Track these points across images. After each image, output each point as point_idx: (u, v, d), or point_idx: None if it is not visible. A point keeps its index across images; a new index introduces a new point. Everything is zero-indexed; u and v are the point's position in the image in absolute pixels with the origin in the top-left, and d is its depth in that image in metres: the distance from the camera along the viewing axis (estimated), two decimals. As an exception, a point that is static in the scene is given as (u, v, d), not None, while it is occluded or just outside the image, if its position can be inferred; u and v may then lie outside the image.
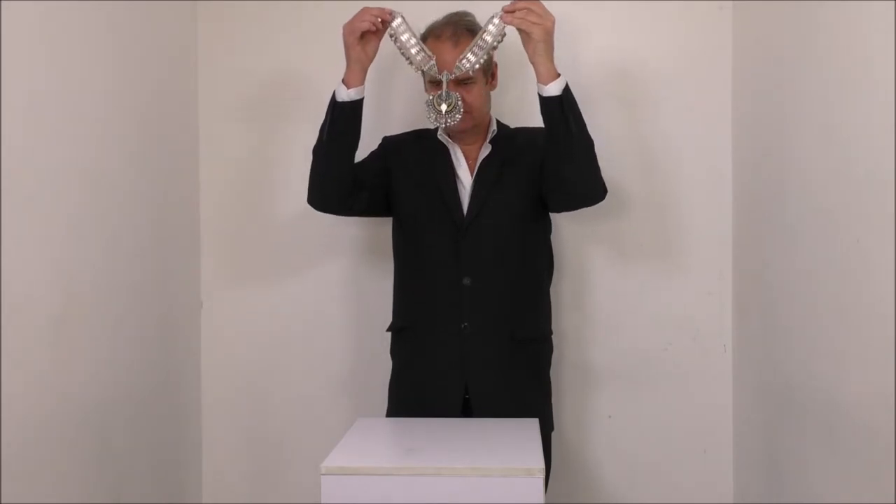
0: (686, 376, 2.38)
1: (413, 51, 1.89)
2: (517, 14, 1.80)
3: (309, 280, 2.45)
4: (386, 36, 1.91)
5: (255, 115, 2.45)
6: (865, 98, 1.55)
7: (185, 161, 2.41)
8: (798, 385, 1.89)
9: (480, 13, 2.03)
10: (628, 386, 2.40)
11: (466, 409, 1.98)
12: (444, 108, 1.89)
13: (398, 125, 2.27)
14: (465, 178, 2.03)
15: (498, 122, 2.11)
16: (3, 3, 1.58)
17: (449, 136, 2.06)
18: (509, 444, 1.65)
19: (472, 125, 2.00)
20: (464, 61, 1.87)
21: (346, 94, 1.91)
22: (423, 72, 2.06)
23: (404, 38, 1.88)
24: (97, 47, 1.93)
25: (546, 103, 1.85)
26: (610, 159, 2.34)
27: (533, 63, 1.84)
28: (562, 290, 2.37)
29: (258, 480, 2.48)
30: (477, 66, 1.88)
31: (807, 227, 1.83)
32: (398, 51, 1.90)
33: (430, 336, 2.00)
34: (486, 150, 2.04)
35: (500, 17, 1.84)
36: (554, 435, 2.13)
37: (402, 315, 2.09)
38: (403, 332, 2.08)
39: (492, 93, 2.09)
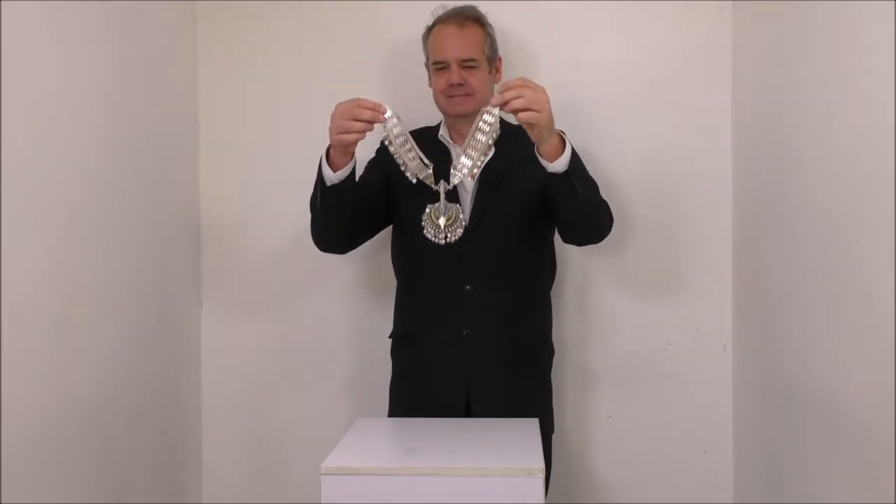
0: (686, 376, 2.38)
1: (409, 156, 1.75)
2: (514, 105, 1.65)
3: (309, 280, 2.44)
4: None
5: (256, 115, 2.45)
6: (865, 98, 1.55)
7: (185, 161, 2.41)
8: (798, 385, 1.89)
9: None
10: (628, 386, 2.40)
11: (468, 415, 1.97)
12: (442, 221, 1.79)
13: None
14: (467, 181, 2.01)
15: (501, 119, 2.10)
16: (3, 3, 1.58)
17: (450, 135, 2.06)
18: (509, 444, 1.65)
19: (473, 109, 1.98)
20: (459, 166, 1.74)
21: (335, 178, 1.81)
22: (427, 70, 2.07)
23: (399, 141, 1.74)
24: (97, 47, 1.93)
25: (552, 177, 1.76)
26: (609, 160, 2.35)
27: (535, 141, 1.73)
28: (563, 291, 2.37)
29: (258, 480, 2.48)
30: (476, 170, 1.75)
31: (807, 227, 1.83)
32: (392, 154, 1.77)
33: (431, 342, 2.00)
34: (489, 151, 2.03)
35: (492, 114, 1.68)
36: (554, 436, 2.13)
37: (403, 321, 2.09)
38: (405, 338, 2.07)
39: (496, 86, 2.09)
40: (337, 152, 1.79)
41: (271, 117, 2.45)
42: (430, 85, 2.06)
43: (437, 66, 2.01)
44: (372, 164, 2.10)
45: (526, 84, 1.67)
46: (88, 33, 1.90)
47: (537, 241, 2.06)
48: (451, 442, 1.68)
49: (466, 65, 1.97)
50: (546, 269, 2.13)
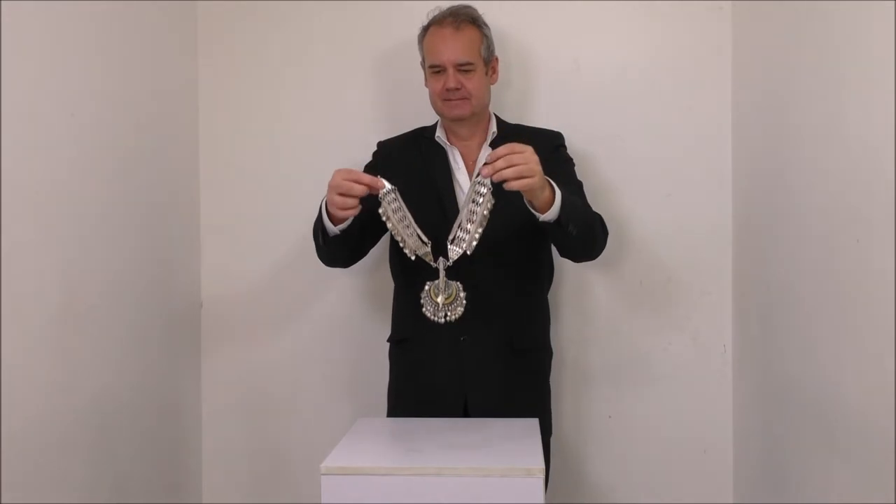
0: (686, 376, 2.38)
1: (407, 232, 1.71)
2: (504, 174, 1.62)
3: (310, 281, 2.44)
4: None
5: (256, 115, 2.45)
6: (865, 98, 1.55)
7: (185, 161, 2.41)
8: (798, 385, 1.89)
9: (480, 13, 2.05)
10: (628, 386, 2.40)
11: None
12: (441, 299, 1.75)
13: (399, 123, 2.26)
14: (465, 183, 2.00)
15: (498, 119, 2.10)
16: (3, 3, 1.58)
17: (447, 136, 2.06)
18: (509, 444, 1.65)
19: (471, 112, 2.00)
20: (457, 240, 1.71)
21: (336, 229, 1.81)
22: (423, 69, 2.06)
23: (397, 217, 1.69)
24: (97, 47, 1.93)
25: (544, 224, 1.76)
26: (609, 160, 2.35)
27: (528, 198, 1.73)
28: (562, 292, 2.37)
29: (258, 480, 2.48)
30: (473, 243, 1.69)
31: (807, 227, 1.83)
32: (390, 230, 1.72)
33: (429, 348, 1.98)
34: (485, 152, 2.02)
35: (485, 185, 1.64)
36: (554, 436, 2.13)
37: (400, 326, 2.08)
38: (402, 342, 2.07)
39: (493, 88, 2.09)
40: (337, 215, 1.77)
41: (271, 117, 2.45)
42: (427, 85, 2.06)
43: (432, 70, 2.00)
44: (370, 168, 2.08)
45: (513, 150, 1.64)
46: (88, 33, 1.90)
47: (534, 246, 2.05)
48: (451, 442, 1.68)
49: (463, 68, 1.96)
50: (544, 274, 2.12)
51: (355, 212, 1.72)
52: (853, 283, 1.60)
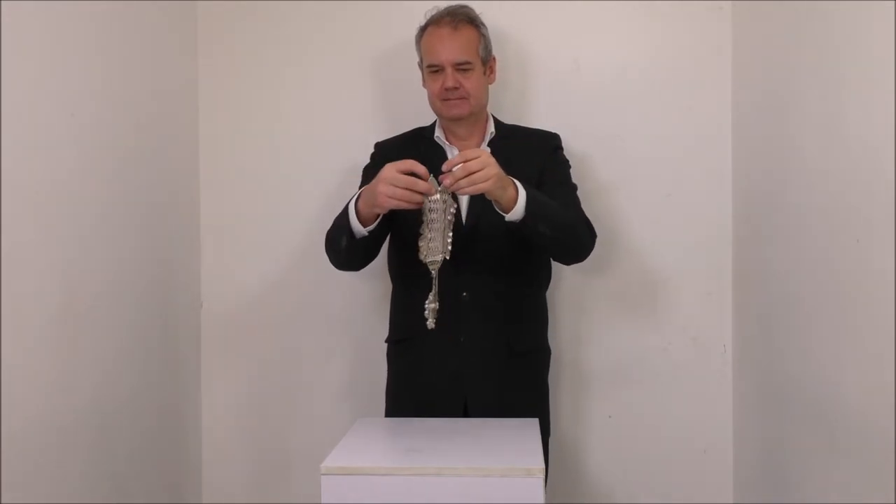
0: (686, 376, 2.38)
1: (430, 235, 1.73)
2: (461, 184, 1.67)
3: (310, 281, 2.44)
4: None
5: (256, 114, 2.45)
6: (865, 98, 1.55)
7: (185, 161, 2.41)
8: (798, 385, 1.89)
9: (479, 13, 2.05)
10: (628, 386, 2.40)
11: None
12: (436, 306, 1.77)
13: (399, 123, 2.25)
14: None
15: (495, 120, 2.10)
16: (3, 3, 1.58)
17: (446, 136, 2.06)
18: (509, 444, 1.65)
19: (469, 112, 1.99)
20: (433, 251, 1.73)
21: (365, 231, 1.82)
22: (421, 70, 2.06)
23: (431, 216, 1.72)
24: (97, 47, 1.93)
25: (513, 224, 1.78)
26: (609, 160, 2.35)
27: (491, 200, 1.76)
28: (561, 291, 2.37)
29: (258, 480, 2.48)
30: (449, 248, 1.73)
31: (807, 227, 1.83)
32: (422, 220, 1.74)
33: (427, 350, 1.97)
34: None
35: (440, 192, 1.69)
36: (553, 436, 2.13)
37: (398, 327, 2.08)
38: (401, 343, 2.06)
39: (492, 88, 2.09)
40: (373, 212, 1.78)
41: (271, 117, 2.45)
42: (425, 85, 2.06)
43: (430, 70, 1.99)
44: (370, 169, 2.08)
45: (466, 157, 1.69)
46: (88, 33, 1.90)
47: (531, 246, 2.04)
48: (451, 442, 1.68)
49: (461, 68, 1.96)
50: (542, 273, 2.12)
51: (413, 205, 1.72)
52: (853, 283, 1.61)
